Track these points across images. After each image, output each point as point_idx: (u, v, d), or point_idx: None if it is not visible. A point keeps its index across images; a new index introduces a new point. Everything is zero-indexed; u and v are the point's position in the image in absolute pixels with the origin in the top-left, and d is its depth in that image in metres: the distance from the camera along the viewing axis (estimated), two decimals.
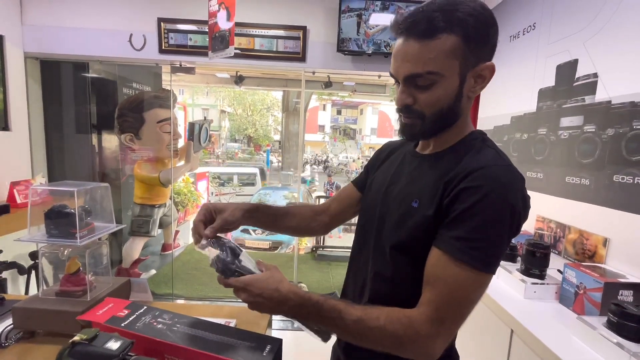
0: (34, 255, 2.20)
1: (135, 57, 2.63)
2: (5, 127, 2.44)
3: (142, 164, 3.09)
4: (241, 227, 0.90)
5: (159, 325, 0.77)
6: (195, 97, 20.57)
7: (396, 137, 0.91)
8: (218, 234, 0.76)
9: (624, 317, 0.91)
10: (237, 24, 2.35)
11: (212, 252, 0.70)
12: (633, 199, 1.18)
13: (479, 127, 0.80)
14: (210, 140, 3.61)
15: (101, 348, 0.61)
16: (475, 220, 0.59)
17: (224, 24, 2.17)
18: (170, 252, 3.49)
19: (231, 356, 0.69)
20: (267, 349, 0.72)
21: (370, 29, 2.50)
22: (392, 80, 0.69)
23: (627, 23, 1.25)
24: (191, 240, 0.80)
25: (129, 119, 3.01)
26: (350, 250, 0.87)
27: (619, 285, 1.07)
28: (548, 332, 1.03)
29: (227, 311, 1.10)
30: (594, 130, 1.36)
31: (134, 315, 0.80)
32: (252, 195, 8.94)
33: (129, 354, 0.63)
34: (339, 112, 28.81)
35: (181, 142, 3.36)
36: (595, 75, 1.37)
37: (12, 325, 0.92)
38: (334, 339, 0.77)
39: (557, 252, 1.51)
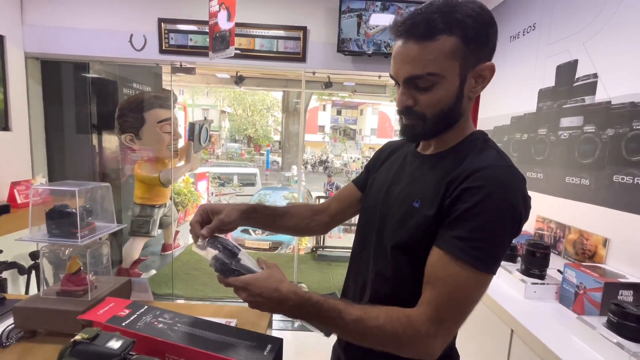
0: (34, 255, 2.20)
1: (136, 58, 2.63)
2: (6, 127, 2.44)
3: (142, 164, 3.09)
4: (241, 228, 0.90)
5: (160, 325, 0.78)
6: (196, 97, 20.58)
7: (396, 138, 0.91)
8: (216, 235, 0.77)
9: (624, 317, 0.91)
10: (238, 25, 2.35)
11: (210, 252, 0.70)
12: (633, 199, 1.18)
13: (479, 128, 0.80)
14: (210, 140, 3.62)
15: (102, 347, 0.61)
16: (476, 220, 0.59)
17: (224, 24, 2.17)
18: (171, 252, 3.49)
19: (232, 356, 0.69)
20: (267, 349, 0.72)
21: (371, 30, 2.50)
22: (392, 81, 0.70)
23: (627, 23, 1.25)
24: (191, 240, 0.80)
25: (129, 119, 3.01)
26: (350, 250, 0.88)
27: (619, 285, 1.07)
28: (548, 332, 1.04)
29: (228, 311, 1.10)
30: (594, 130, 1.36)
31: (135, 315, 0.81)
32: (252, 195, 8.95)
33: (130, 353, 0.63)
34: (339, 113, 28.82)
35: (181, 143, 3.36)
36: (595, 75, 1.37)
37: (13, 325, 0.92)
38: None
39: (557, 252, 1.51)
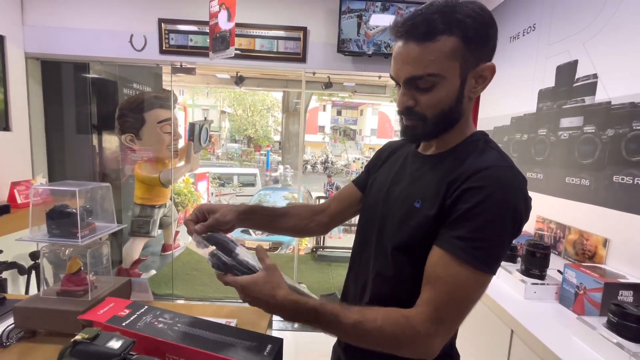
0: (34, 256, 2.20)
1: (136, 58, 2.63)
2: (6, 127, 2.44)
3: (143, 164, 3.09)
4: (241, 228, 0.90)
5: (160, 325, 0.78)
6: (196, 97, 20.58)
7: (396, 138, 0.91)
8: (213, 232, 0.77)
9: (624, 318, 0.91)
10: (238, 25, 2.36)
11: (207, 249, 0.70)
12: (633, 199, 1.18)
13: (479, 128, 0.80)
14: (210, 140, 3.61)
15: (103, 347, 0.61)
16: (477, 220, 0.59)
17: (224, 24, 2.17)
18: (171, 252, 3.49)
19: (232, 356, 0.69)
20: (267, 349, 0.72)
21: (371, 30, 2.50)
22: (392, 81, 0.70)
23: (627, 23, 1.25)
24: (191, 240, 0.81)
25: (129, 120, 3.01)
26: (350, 250, 0.87)
27: (619, 286, 1.07)
28: (548, 332, 1.03)
29: (228, 311, 1.10)
30: (593, 130, 1.36)
31: (135, 315, 0.81)
32: (252, 195, 8.95)
33: (130, 353, 0.64)
34: (339, 113, 28.83)
35: (181, 143, 3.36)
36: (595, 76, 1.37)
37: (13, 325, 0.92)
38: None
39: (557, 253, 1.51)
